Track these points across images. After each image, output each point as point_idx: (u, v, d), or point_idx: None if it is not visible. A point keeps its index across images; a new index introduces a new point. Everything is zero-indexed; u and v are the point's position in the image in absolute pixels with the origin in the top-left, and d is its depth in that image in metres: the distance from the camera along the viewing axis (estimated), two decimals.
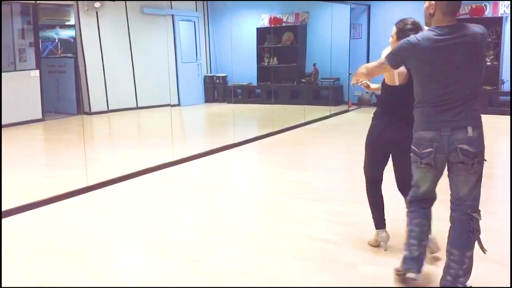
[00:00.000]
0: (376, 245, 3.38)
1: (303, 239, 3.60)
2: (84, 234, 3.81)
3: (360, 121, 8.59)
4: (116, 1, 10.27)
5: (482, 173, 2.64)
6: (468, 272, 2.62)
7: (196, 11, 12.15)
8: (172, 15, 11.41)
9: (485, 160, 2.63)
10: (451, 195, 2.69)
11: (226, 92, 12.00)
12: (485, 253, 2.67)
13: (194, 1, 12.07)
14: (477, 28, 2.58)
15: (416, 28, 3.02)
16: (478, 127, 2.59)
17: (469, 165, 2.56)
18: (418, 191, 2.80)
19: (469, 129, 2.54)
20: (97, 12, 10.08)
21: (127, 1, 10.57)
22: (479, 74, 2.61)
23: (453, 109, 2.56)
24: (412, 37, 2.62)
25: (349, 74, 10.72)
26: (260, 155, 6.95)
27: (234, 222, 4.05)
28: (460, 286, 2.61)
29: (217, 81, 12.24)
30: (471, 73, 2.57)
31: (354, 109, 10.49)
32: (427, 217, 2.81)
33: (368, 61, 9.69)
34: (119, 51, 10.67)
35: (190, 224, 4.18)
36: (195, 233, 3.89)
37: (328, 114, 9.71)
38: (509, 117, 8.80)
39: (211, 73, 12.60)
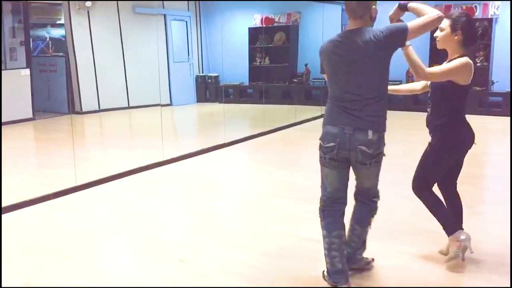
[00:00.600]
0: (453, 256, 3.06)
1: (291, 239, 3.62)
2: (72, 234, 3.80)
3: None
4: (107, 1, 10.24)
5: (380, 167, 2.84)
6: (364, 245, 3.02)
7: (188, 10, 12.14)
8: (164, 15, 11.39)
9: (384, 155, 2.79)
10: (356, 185, 2.95)
11: (218, 92, 12.00)
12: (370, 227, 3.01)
13: (186, 1, 12.06)
14: (373, 33, 2.62)
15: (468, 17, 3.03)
16: (379, 131, 2.70)
17: (367, 164, 2.74)
18: (326, 192, 2.88)
19: (370, 133, 2.67)
20: (88, 12, 10.05)
21: (119, 1, 10.55)
22: (379, 79, 2.71)
23: (354, 111, 2.68)
24: (325, 41, 2.82)
25: None
26: (251, 155, 6.96)
27: (223, 221, 4.06)
28: (359, 256, 3.02)
29: (209, 80, 12.23)
30: (366, 78, 2.67)
31: None
32: (344, 227, 2.90)
33: None
34: (110, 50, 10.64)
35: (179, 224, 4.19)
36: (183, 233, 3.90)
37: (319, 114, 9.70)
38: (498, 117, 8.88)
39: (203, 72, 12.59)
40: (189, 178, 5.56)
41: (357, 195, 2.99)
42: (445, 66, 2.94)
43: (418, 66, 2.86)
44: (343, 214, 2.89)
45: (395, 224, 3.80)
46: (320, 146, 2.81)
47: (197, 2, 12.35)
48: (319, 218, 2.93)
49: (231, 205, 4.54)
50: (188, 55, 12.12)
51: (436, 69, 2.96)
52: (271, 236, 3.68)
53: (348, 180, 2.87)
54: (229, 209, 4.42)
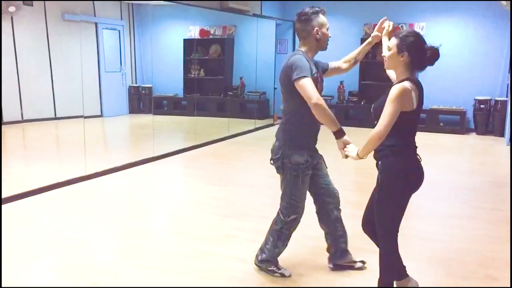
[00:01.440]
0: None
1: (212, 258, 3.52)
2: None
3: None
4: (34, 6, 9.77)
5: (288, 182, 3.09)
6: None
7: (122, 19, 11.82)
8: (96, 23, 11.02)
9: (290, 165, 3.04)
10: None
11: (152, 103, 11.73)
12: None
13: (119, 10, 11.75)
14: (289, 61, 2.96)
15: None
16: (279, 140, 3.12)
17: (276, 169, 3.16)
18: None
19: (275, 141, 3.15)
20: (12, 17, 9.52)
21: (46, 7, 10.09)
22: (288, 104, 3.08)
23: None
24: None
25: (275, 88, 10.85)
26: (180, 169, 6.80)
27: (143, 241, 3.89)
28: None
29: (143, 91, 11.93)
30: (283, 99, 3.13)
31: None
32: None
33: None
34: (36, 58, 10.12)
35: (95, 244, 3.96)
36: (101, 254, 3.69)
37: (253, 127, 9.74)
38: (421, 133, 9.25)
39: (136, 83, 12.27)
40: (113, 193, 5.33)
41: None
42: (384, 115, 2.63)
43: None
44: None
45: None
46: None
47: (131, 11, 12.06)
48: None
49: (153, 223, 4.38)
50: (121, 65, 11.78)
51: (380, 127, 2.64)
52: (192, 255, 3.57)
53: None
54: (151, 227, 4.25)
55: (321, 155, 3.25)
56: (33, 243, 3.82)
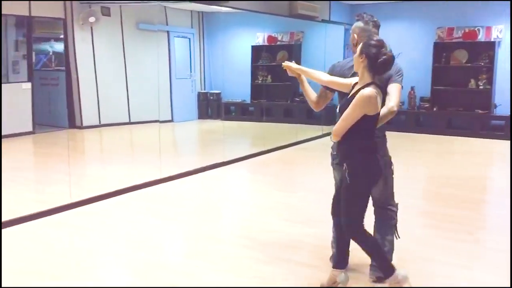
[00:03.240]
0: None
1: (283, 264, 3.53)
2: (63, 254, 3.72)
3: None
4: (111, 17, 10.28)
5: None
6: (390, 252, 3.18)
7: (192, 27, 12.18)
8: (168, 31, 11.42)
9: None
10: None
11: (220, 108, 11.97)
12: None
13: (190, 18, 12.11)
14: None
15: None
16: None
17: None
18: None
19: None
20: (91, 27, 10.08)
21: (122, 17, 10.59)
22: None
23: None
24: None
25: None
26: (249, 174, 6.89)
27: (217, 244, 3.97)
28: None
29: (211, 97, 12.21)
30: None
31: None
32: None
33: None
34: (113, 66, 10.65)
35: (172, 246, 4.10)
36: (177, 256, 3.81)
37: (320, 133, 9.67)
38: (501, 141, 8.80)
39: (205, 89, 12.58)
40: (186, 197, 5.49)
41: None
42: (347, 115, 2.81)
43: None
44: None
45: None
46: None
47: (201, 19, 12.40)
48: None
49: (226, 227, 4.46)
50: (191, 71, 12.13)
51: (339, 126, 2.86)
52: (266, 260, 3.59)
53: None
54: (224, 231, 4.33)
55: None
56: (111, 242, 4.01)
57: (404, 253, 3.68)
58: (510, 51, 9.21)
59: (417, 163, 7.33)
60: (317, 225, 4.34)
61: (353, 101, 2.79)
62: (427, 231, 4.33)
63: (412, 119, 10.03)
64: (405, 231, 4.26)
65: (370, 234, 3.03)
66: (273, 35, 11.66)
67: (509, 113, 9.01)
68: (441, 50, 9.82)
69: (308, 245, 3.87)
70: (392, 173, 3.21)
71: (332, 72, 3.25)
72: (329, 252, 3.46)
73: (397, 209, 3.26)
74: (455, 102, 9.71)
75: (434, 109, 9.85)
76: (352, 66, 2.99)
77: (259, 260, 3.60)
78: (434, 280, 3.27)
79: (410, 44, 10.11)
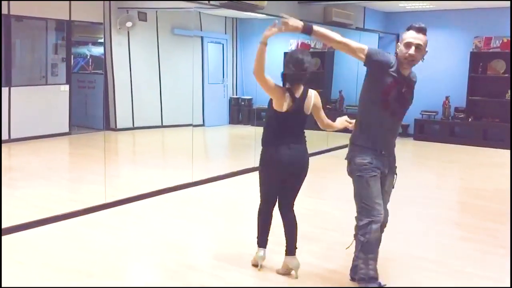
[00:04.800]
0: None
1: (319, 271, 3.53)
2: (97, 252, 3.82)
3: None
4: (147, 22, 10.50)
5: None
6: None
7: (225, 33, 12.31)
8: (202, 37, 11.58)
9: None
10: None
11: (251, 114, 12.03)
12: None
13: (224, 24, 12.24)
14: None
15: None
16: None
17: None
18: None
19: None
20: (128, 32, 10.31)
21: (158, 23, 10.79)
22: None
23: None
24: None
25: None
26: None
27: (247, 249, 3.99)
28: None
29: (243, 103, 12.30)
30: None
31: None
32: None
33: None
34: (148, 70, 10.85)
35: (203, 248, 4.15)
36: (207, 258, 3.85)
37: None
38: None
39: (236, 95, 12.67)
40: (217, 201, 5.54)
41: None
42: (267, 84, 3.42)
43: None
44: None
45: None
46: None
47: (235, 25, 12.51)
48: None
49: (256, 232, 4.47)
50: (223, 77, 12.25)
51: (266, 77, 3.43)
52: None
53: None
54: (254, 236, 4.35)
55: (395, 171, 3.17)
56: (143, 242, 4.09)
57: (435, 265, 3.63)
58: (510, 48, 8.92)
59: (450, 174, 7.21)
60: (349, 233, 4.31)
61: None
62: (458, 242, 4.25)
63: (447, 129, 9.88)
64: (437, 241, 4.21)
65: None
66: (306, 42, 11.67)
67: None
68: (478, 59, 9.65)
69: (341, 253, 3.85)
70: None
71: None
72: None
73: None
74: (491, 113, 9.51)
75: (470, 119, 9.67)
76: None
77: None
78: None
79: (446, 53, 9.96)
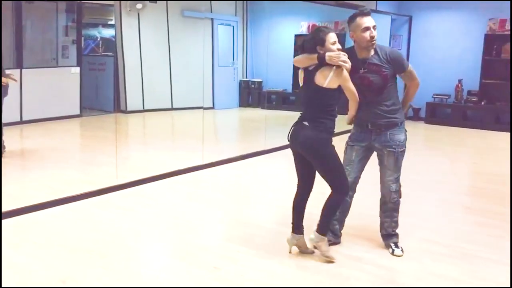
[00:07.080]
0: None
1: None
2: (110, 233, 3.85)
3: None
4: (157, 3, 10.43)
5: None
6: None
7: (236, 15, 12.21)
8: (212, 19, 11.50)
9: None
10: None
11: (261, 97, 11.99)
12: None
13: (234, 6, 12.13)
14: None
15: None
16: None
17: None
18: None
19: None
20: (138, 13, 10.26)
21: (168, 4, 10.72)
22: None
23: None
24: None
25: None
26: (289, 164, 6.86)
27: (258, 231, 4.01)
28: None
29: (252, 86, 12.25)
30: None
31: None
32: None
33: None
34: (157, 52, 10.83)
35: (215, 230, 4.17)
36: (218, 239, 3.87)
37: None
38: None
39: (246, 77, 12.62)
40: (228, 183, 5.56)
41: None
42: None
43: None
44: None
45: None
46: None
47: (245, 7, 12.39)
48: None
49: (267, 214, 4.49)
50: (233, 59, 12.19)
51: None
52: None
53: None
54: (265, 218, 4.37)
55: (388, 149, 3.48)
56: (154, 223, 4.12)
57: (447, 249, 3.62)
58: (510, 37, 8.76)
59: (462, 158, 7.15)
60: (359, 216, 4.31)
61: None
62: (471, 227, 4.23)
63: (459, 113, 9.77)
64: (449, 225, 4.19)
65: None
66: (317, 24, 11.54)
67: None
68: (492, 42, 9.49)
69: (350, 236, 3.85)
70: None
71: None
72: (371, 243, 3.41)
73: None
74: (504, 97, 9.38)
75: (482, 103, 9.55)
76: None
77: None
78: (476, 277, 3.21)
79: (460, 36, 9.82)
